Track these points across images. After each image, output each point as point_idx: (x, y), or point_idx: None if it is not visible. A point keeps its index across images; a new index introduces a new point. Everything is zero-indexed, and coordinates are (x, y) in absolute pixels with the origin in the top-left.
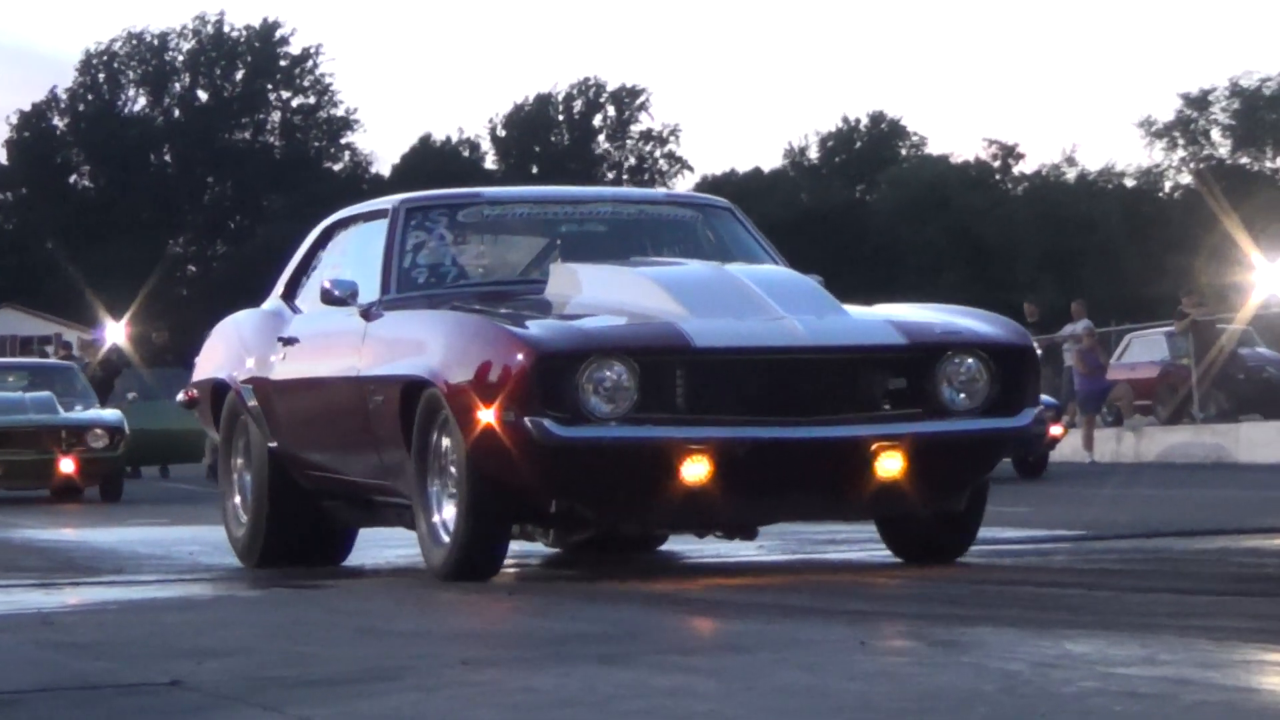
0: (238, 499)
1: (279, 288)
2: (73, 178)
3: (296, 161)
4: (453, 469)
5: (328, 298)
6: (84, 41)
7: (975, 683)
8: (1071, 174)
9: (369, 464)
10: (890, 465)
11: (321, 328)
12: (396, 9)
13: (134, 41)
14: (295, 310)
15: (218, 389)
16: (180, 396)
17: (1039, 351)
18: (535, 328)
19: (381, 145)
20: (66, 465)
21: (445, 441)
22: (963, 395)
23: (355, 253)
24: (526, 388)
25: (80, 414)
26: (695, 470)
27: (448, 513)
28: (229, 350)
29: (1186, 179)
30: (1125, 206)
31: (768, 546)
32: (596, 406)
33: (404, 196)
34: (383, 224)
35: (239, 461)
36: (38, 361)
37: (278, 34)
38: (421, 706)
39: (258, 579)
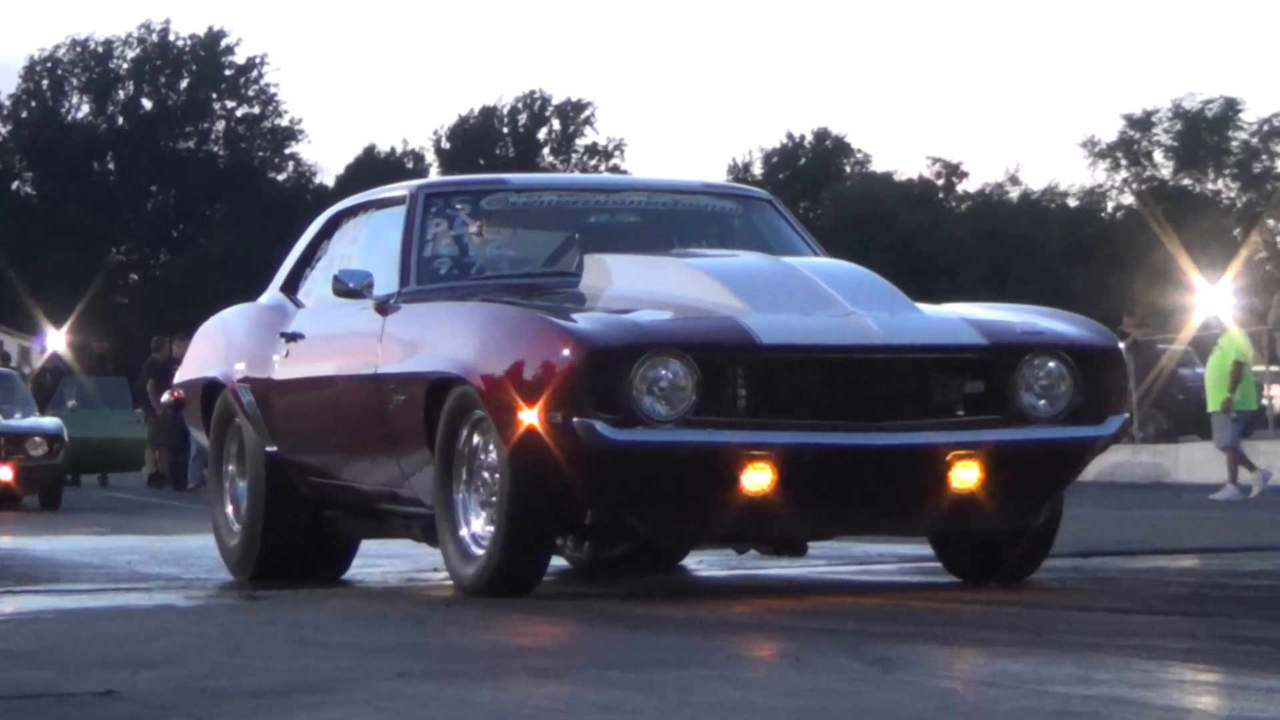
0: (229, 508)
1: (278, 281)
2: (14, 184)
3: (240, 171)
4: (485, 474)
5: (340, 289)
6: (27, 48)
7: (910, 700)
8: (1015, 193)
9: (383, 470)
10: (966, 476)
11: (330, 322)
12: (342, 20)
13: (78, 48)
14: (298, 305)
15: (209, 390)
16: (165, 398)
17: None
18: (584, 321)
19: (326, 156)
20: (4, 473)
21: (476, 445)
22: (1044, 401)
23: (367, 242)
24: (575, 386)
25: (19, 422)
26: (757, 479)
27: (478, 524)
28: (222, 348)
29: (1129, 199)
30: (1067, 226)
31: (708, 562)
32: (652, 408)
33: (422, 182)
34: (398, 211)
35: (231, 468)
36: None
37: (223, 43)
38: (355, 718)
39: (193, 589)
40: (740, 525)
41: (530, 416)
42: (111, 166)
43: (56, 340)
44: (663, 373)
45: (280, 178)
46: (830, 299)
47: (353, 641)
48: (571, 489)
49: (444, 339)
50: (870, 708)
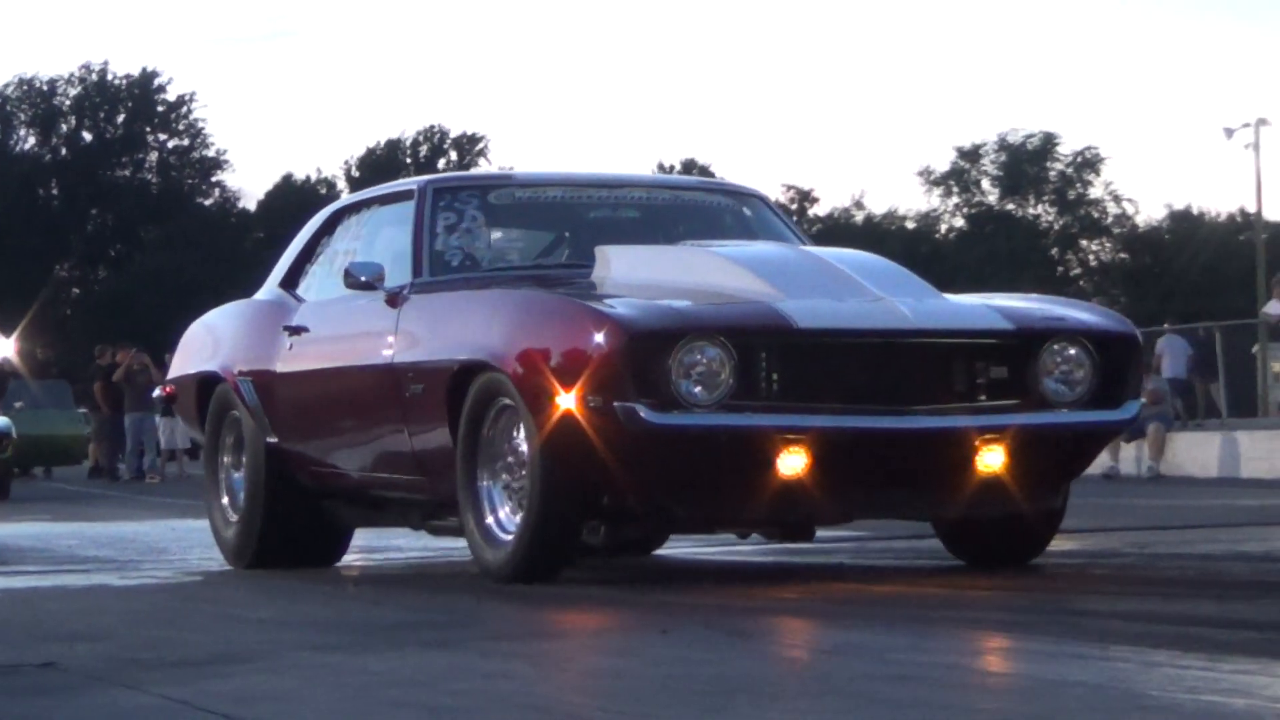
0: (225, 499)
1: (276, 277)
2: None
3: (171, 197)
4: (510, 461)
5: (351, 282)
6: None
7: (763, 668)
8: (859, 216)
9: (394, 459)
10: (992, 460)
11: (337, 315)
12: (263, 61)
13: (25, 86)
14: (299, 299)
15: (204, 383)
16: (156, 393)
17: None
18: (621, 306)
19: (248, 182)
20: None
21: (501, 431)
22: (1065, 386)
23: (373, 237)
24: (616, 370)
25: None
26: (792, 462)
27: (503, 511)
28: (220, 343)
29: (960, 222)
30: (906, 247)
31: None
32: (689, 392)
33: (430, 177)
34: (404, 206)
35: (226, 459)
36: None
37: (156, 82)
38: (268, 686)
39: (126, 570)
40: (775, 508)
41: (567, 401)
42: (55, 192)
43: (5, 348)
44: (700, 357)
45: (207, 203)
46: (858, 285)
47: (269, 617)
48: (606, 474)
49: (468, 326)
50: (726, 674)
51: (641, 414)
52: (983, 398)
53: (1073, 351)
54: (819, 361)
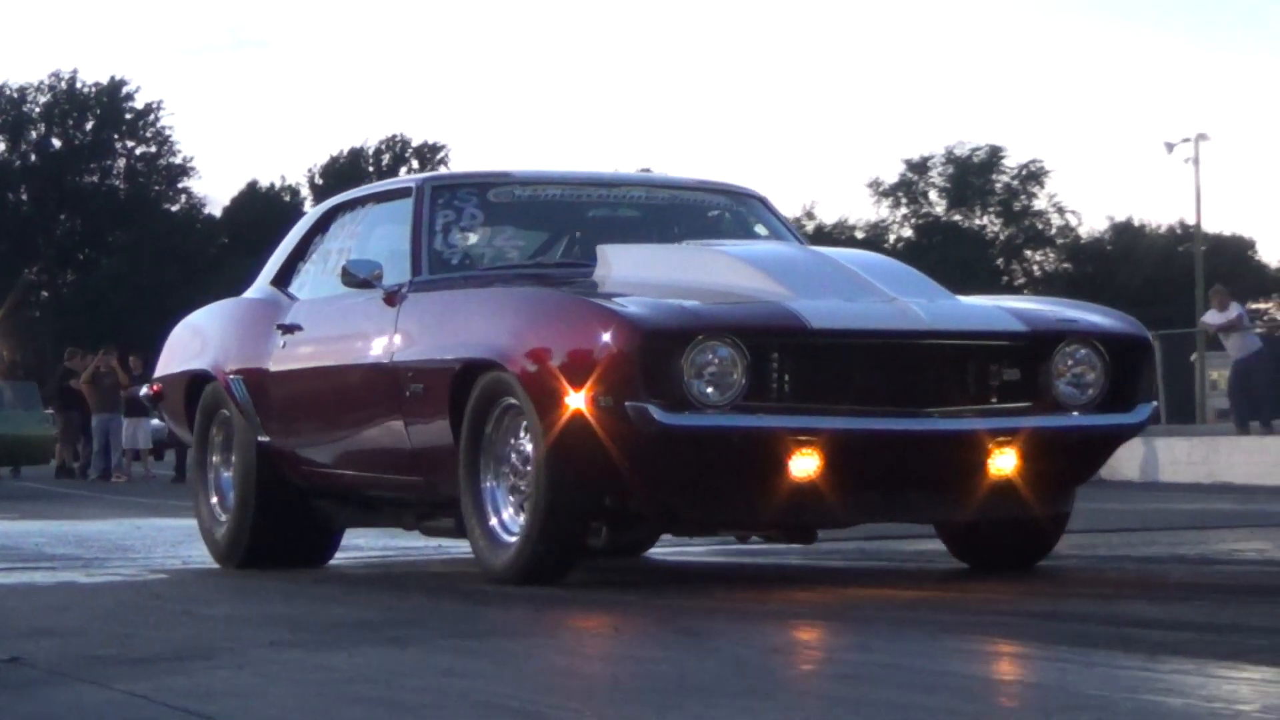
0: (214, 499)
1: (267, 275)
2: None
3: (138, 202)
4: (515, 460)
5: (349, 279)
6: None
7: (711, 665)
8: (811, 226)
9: (392, 459)
10: (1004, 463)
11: (333, 313)
12: (230, 71)
13: None
14: (291, 298)
15: (194, 382)
16: (144, 391)
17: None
18: (632, 305)
19: (214, 189)
20: None
21: (505, 431)
22: (1077, 389)
23: (368, 235)
24: (628, 370)
25: None
26: (804, 465)
27: (507, 512)
28: (209, 341)
29: (908, 232)
30: None
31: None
32: (701, 392)
33: (427, 175)
34: (402, 204)
35: (215, 458)
36: None
37: (124, 90)
38: (229, 682)
39: (92, 568)
40: (786, 510)
41: (577, 401)
42: (25, 197)
43: None
44: (712, 357)
45: (173, 209)
46: (870, 286)
47: (231, 615)
48: (614, 475)
49: (472, 325)
50: (675, 672)
51: (653, 414)
52: (995, 400)
53: (1085, 353)
54: (832, 362)
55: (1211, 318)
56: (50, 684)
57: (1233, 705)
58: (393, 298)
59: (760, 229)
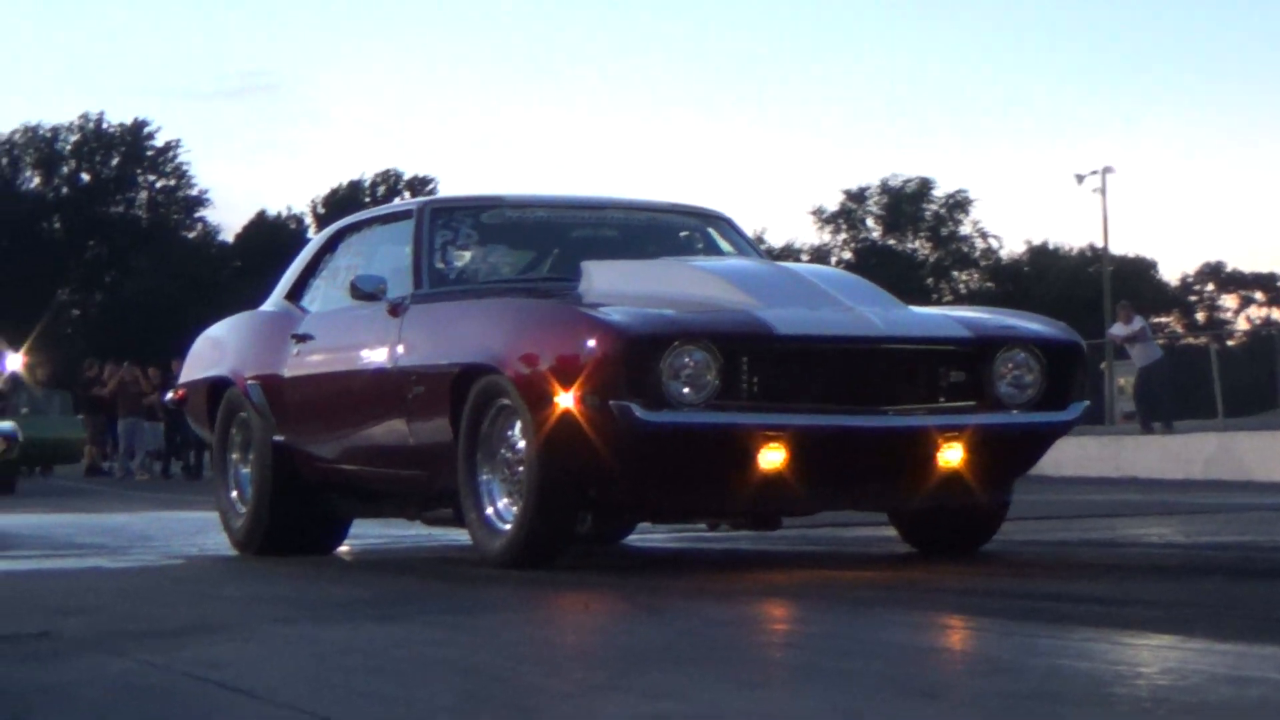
0: (234, 493)
1: (281, 290)
2: None
3: (159, 230)
4: (508, 456)
5: (357, 293)
6: None
7: (669, 636)
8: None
9: (396, 455)
10: (951, 456)
11: (342, 324)
12: (241, 112)
13: (30, 133)
14: (304, 310)
15: (215, 387)
16: (168, 396)
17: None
18: (615, 313)
19: (227, 217)
20: None
21: (499, 429)
22: (1016, 389)
23: (373, 253)
24: (612, 372)
25: None
26: (772, 458)
27: (502, 502)
28: (229, 350)
29: (848, 255)
30: None
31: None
32: (678, 392)
33: (428, 199)
34: (404, 225)
35: (234, 456)
36: None
37: (146, 130)
38: (236, 653)
39: (118, 555)
40: (755, 499)
41: (566, 400)
42: (57, 225)
43: (14, 362)
44: (688, 360)
45: (190, 235)
46: (829, 296)
47: (239, 595)
48: (599, 467)
49: (469, 332)
50: (637, 643)
51: (635, 412)
52: (943, 399)
53: (1023, 357)
54: (797, 365)
55: (1118, 330)
56: (74, 655)
57: (1135, 668)
58: (396, 309)
59: (727, 246)
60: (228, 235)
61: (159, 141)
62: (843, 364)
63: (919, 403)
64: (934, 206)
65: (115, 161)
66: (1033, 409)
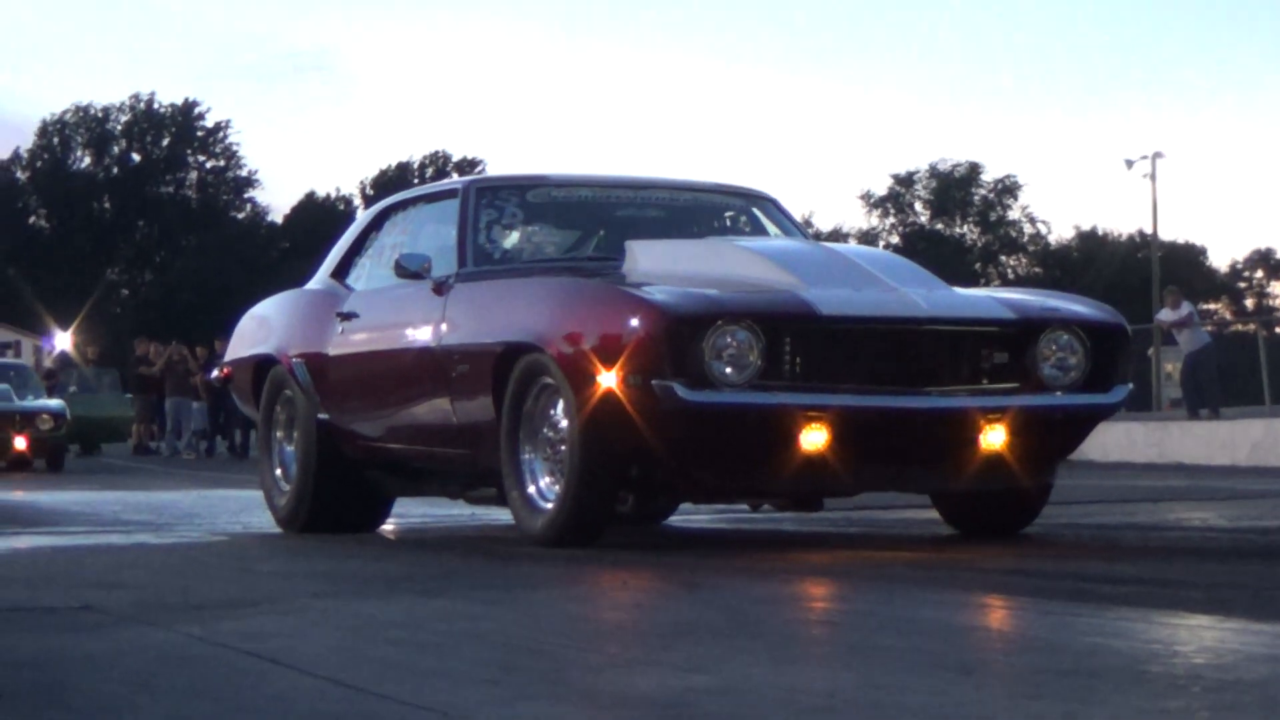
0: (278, 470)
1: (327, 269)
2: (31, 219)
3: (208, 211)
4: (550, 434)
5: (402, 272)
6: (41, 112)
7: (706, 612)
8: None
9: (440, 433)
10: (994, 438)
11: (387, 302)
12: (291, 93)
13: (82, 113)
14: (349, 289)
15: (260, 365)
16: (214, 374)
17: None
18: (658, 293)
19: (276, 198)
20: (20, 443)
21: (542, 408)
22: (1060, 371)
23: (418, 232)
24: (655, 351)
25: (31, 402)
26: (814, 438)
27: (544, 481)
28: (275, 328)
29: (896, 240)
30: None
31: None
32: (720, 372)
33: (473, 178)
34: (448, 204)
35: (279, 434)
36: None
37: (196, 110)
38: (275, 626)
39: (162, 531)
40: (797, 480)
41: (608, 379)
42: (107, 205)
43: (63, 341)
44: (730, 340)
45: (239, 216)
46: (874, 277)
47: (279, 570)
48: (641, 446)
49: (513, 311)
50: (676, 619)
51: (678, 392)
52: (986, 381)
53: (1067, 339)
54: (839, 345)
55: (1166, 316)
56: (117, 627)
57: (1171, 647)
58: (441, 288)
59: (772, 227)
60: (276, 216)
61: (209, 122)
62: (886, 344)
63: (962, 384)
64: (983, 191)
65: (165, 142)
66: (1076, 391)
